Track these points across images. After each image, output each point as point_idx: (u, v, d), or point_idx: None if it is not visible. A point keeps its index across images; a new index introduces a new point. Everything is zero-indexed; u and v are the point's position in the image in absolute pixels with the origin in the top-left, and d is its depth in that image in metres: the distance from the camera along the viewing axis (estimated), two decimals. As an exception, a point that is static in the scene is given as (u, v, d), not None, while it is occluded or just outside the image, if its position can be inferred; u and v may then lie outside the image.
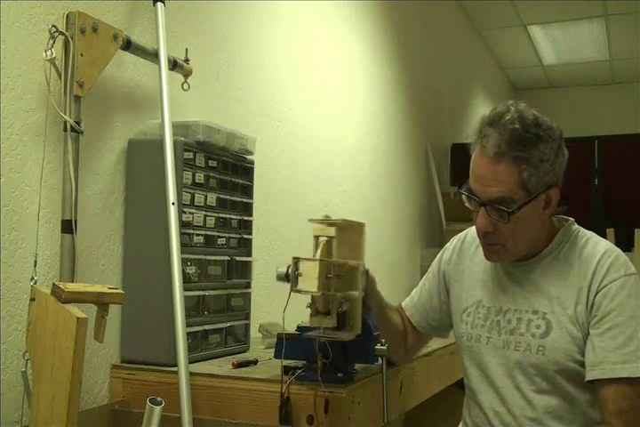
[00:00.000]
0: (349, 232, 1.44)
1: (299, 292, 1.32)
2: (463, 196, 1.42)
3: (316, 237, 1.37)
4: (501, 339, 1.44)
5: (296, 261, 1.32)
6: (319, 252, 1.35)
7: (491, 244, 1.43)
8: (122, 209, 1.91)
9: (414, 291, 1.71)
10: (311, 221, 1.39)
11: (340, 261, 1.33)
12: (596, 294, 1.36)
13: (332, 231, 1.33)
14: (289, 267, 1.35)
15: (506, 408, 1.45)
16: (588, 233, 1.48)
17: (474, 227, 1.68)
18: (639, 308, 1.34)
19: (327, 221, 1.37)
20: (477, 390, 1.51)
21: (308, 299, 1.38)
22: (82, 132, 1.68)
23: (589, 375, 1.34)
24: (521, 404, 1.42)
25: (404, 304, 1.71)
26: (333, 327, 1.38)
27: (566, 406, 1.40)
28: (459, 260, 1.61)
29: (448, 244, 1.68)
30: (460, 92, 6.06)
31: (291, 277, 1.34)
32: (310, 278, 1.29)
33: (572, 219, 1.50)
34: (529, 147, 1.33)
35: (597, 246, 1.42)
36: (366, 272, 1.47)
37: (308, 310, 1.40)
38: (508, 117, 1.35)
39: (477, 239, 1.58)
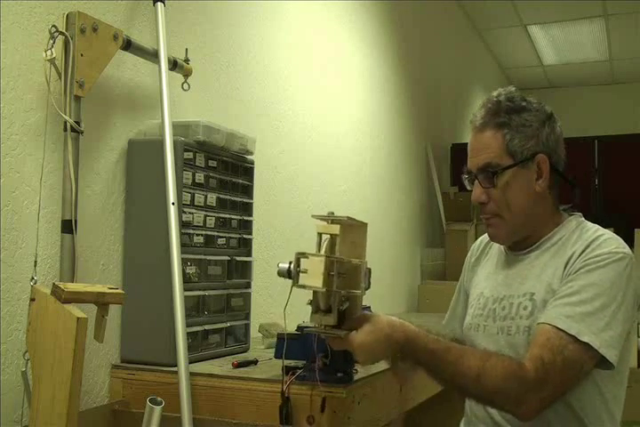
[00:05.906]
0: (352, 231, 1.44)
1: (303, 287, 1.31)
2: (464, 178, 1.47)
3: (320, 235, 1.36)
4: (496, 326, 1.45)
5: (299, 256, 1.31)
6: (323, 249, 1.34)
7: (487, 216, 1.45)
8: (122, 209, 1.91)
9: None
10: (314, 217, 1.38)
11: (344, 258, 1.32)
12: (579, 268, 1.36)
13: (336, 229, 1.32)
14: (291, 262, 1.34)
15: None
16: (591, 224, 1.48)
17: None
18: (610, 281, 1.32)
19: (331, 218, 1.36)
20: None
21: (308, 297, 1.37)
22: (82, 132, 1.68)
23: (539, 319, 1.34)
24: None
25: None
26: (333, 325, 1.37)
27: None
28: (476, 262, 1.64)
29: (472, 245, 1.71)
30: (460, 92, 6.06)
31: (293, 272, 1.33)
32: (316, 274, 1.28)
33: (579, 213, 1.51)
34: (511, 113, 1.41)
35: (597, 232, 1.42)
36: (369, 271, 1.47)
37: (308, 311, 1.39)
38: (494, 94, 1.46)
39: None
